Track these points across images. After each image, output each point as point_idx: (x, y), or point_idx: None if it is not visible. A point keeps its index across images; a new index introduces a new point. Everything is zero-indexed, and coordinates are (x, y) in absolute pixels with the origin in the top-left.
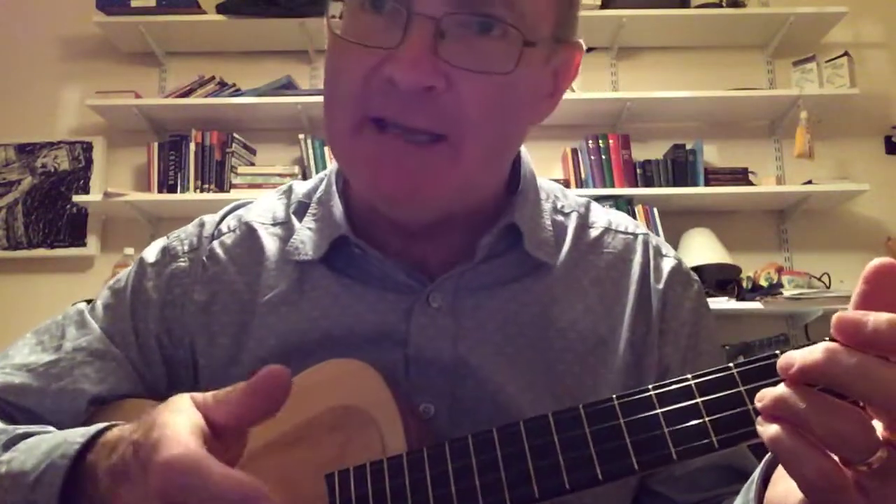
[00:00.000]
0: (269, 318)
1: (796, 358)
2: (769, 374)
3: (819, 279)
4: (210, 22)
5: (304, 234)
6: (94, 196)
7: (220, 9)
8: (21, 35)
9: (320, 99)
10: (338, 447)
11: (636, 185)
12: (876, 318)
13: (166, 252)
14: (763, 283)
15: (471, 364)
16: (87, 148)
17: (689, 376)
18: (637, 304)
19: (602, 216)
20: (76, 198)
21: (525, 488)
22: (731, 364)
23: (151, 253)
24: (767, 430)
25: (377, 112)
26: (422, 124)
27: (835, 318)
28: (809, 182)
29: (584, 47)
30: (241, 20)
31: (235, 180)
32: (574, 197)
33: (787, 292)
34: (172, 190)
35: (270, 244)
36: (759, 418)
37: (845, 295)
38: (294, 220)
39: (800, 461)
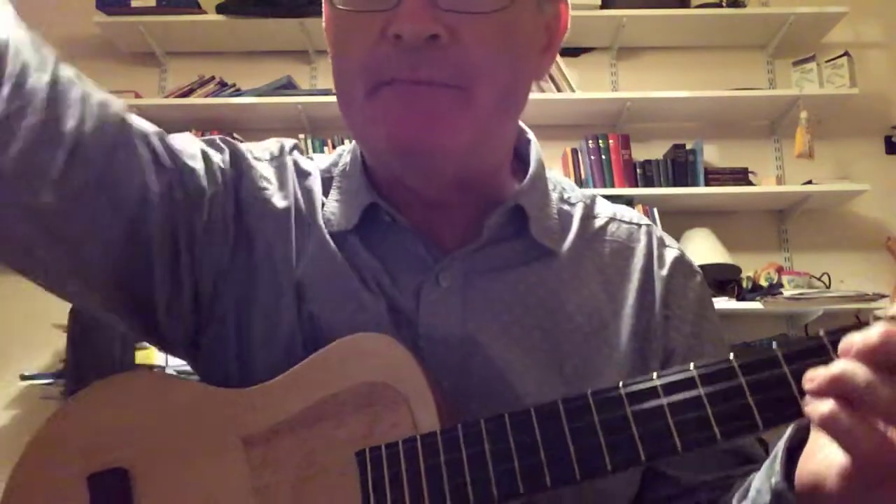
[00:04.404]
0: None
1: (855, 340)
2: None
3: (819, 279)
4: (210, 22)
5: (333, 206)
6: None
7: (220, 9)
8: None
9: (320, 99)
10: (366, 425)
11: (636, 185)
12: None
13: (248, 152)
14: (763, 283)
15: (479, 342)
16: None
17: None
18: (641, 290)
19: (608, 208)
20: None
21: (566, 471)
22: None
23: (239, 149)
24: (819, 407)
25: (389, 74)
26: (432, 76)
27: None
28: (809, 182)
29: (570, 5)
30: (241, 20)
31: None
32: (581, 190)
33: (787, 292)
34: None
35: (318, 199)
36: (807, 398)
37: (845, 295)
38: (324, 188)
39: (856, 437)
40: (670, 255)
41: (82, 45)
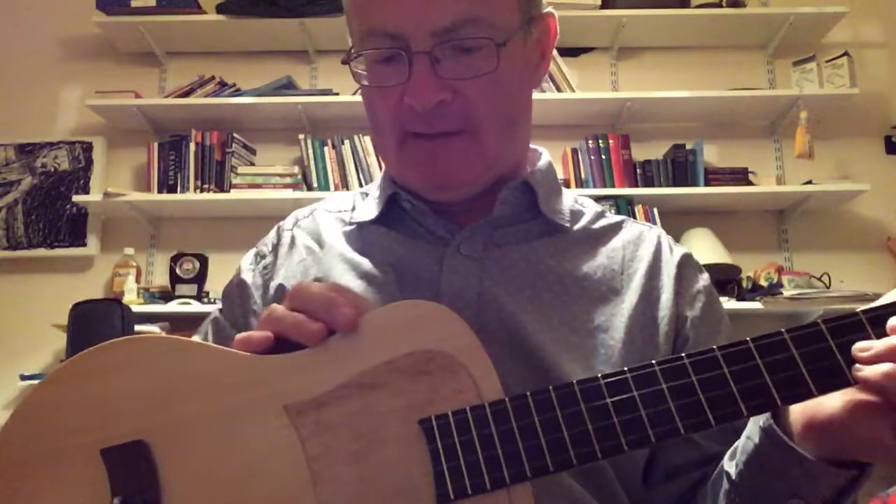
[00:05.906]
0: (331, 259)
1: None
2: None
3: (819, 279)
4: (210, 22)
5: (361, 208)
6: (94, 196)
7: (220, 9)
8: (21, 35)
9: (320, 99)
10: (424, 392)
11: (636, 185)
12: None
13: (256, 255)
14: (763, 283)
15: (494, 294)
16: (87, 148)
17: (783, 330)
18: (651, 268)
19: (619, 216)
20: (76, 198)
21: (640, 433)
22: (818, 321)
23: (246, 260)
24: (881, 368)
25: (412, 128)
26: (445, 128)
27: None
28: (809, 182)
29: (555, 13)
30: (241, 20)
31: (235, 180)
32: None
33: (787, 292)
34: (172, 190)
35: (331, 222)
36: (857, 364)
37: (845, 295)
38: (359, 201)
39: None
40: (680, 250)
41: (82, 45)
